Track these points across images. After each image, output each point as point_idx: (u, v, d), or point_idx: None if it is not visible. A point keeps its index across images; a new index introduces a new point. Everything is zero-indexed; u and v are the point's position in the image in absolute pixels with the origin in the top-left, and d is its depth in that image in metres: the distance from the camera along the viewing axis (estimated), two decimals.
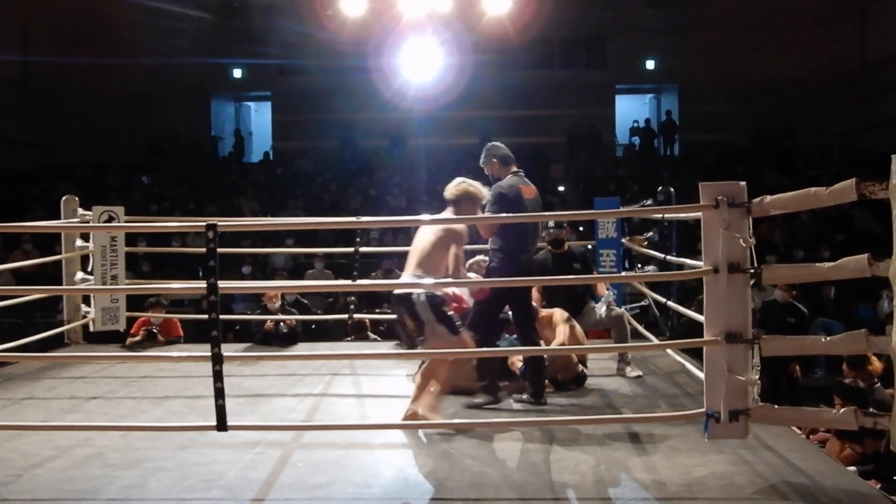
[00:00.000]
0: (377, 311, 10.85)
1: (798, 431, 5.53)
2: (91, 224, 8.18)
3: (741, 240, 4.20)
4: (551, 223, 7.45)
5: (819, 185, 4.29)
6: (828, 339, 4.34)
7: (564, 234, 7.49)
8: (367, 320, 9.46)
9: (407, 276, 5.51)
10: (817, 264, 4.34)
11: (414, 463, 4.68)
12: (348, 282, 8.93)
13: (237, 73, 24.44)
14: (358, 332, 9.35)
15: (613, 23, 22.82)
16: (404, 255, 5.61)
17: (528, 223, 6.01)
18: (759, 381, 4.28)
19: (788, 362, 9.06)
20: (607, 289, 7.36)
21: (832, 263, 4.17)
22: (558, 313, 6.66)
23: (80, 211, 8.39)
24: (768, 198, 4.25)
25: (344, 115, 22.85)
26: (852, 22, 21.87)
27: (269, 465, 4.63)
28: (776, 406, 4.37)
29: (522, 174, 6.11)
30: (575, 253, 7.62)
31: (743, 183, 4.26)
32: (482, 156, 6.21)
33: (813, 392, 9.10)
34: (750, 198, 4.26)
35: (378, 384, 6.56)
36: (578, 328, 6.68)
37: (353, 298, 9.70)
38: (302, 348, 8.55)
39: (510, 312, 6.18)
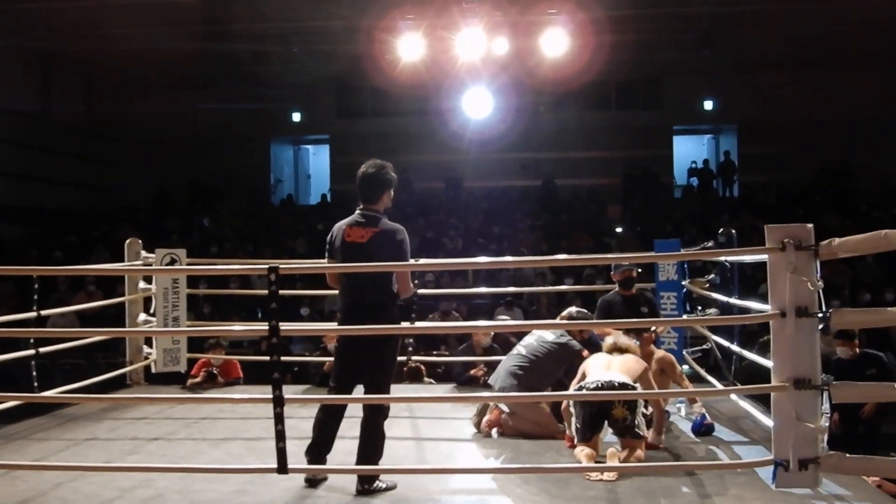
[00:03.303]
0: (434, 353, 10.79)
1: (868, 481, 5.35)
2: (154, 267, 8.29)
3: (809, 283, 4.11)
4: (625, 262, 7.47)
5: (882, 225, 4.19)
6: None
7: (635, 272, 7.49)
8: (422, 367, 9.30)
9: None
10: (890, 309, 4.22)
11: None
12: (406, 324, 8.89)
13: (296, 116, 24.84)
14: (413, 379, 9.18)
15: (669, 64, 22.75)
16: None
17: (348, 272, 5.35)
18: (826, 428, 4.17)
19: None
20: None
21: None
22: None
23: (143, 253, 8.53)
24: (836, 240, 4.15)
25: (400, 157, 22.95)
26: None
27: None
28: (847, 455, 4.24)
29: (362, 212, 5.56)
30: (646, 296, 7.63)
31: (810, 225, 4.17)
32: None
33: (891, 440, 8.76)
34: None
35: (436, 428, 6.51)
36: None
37: (410, 340, 9.66)
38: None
39: None
